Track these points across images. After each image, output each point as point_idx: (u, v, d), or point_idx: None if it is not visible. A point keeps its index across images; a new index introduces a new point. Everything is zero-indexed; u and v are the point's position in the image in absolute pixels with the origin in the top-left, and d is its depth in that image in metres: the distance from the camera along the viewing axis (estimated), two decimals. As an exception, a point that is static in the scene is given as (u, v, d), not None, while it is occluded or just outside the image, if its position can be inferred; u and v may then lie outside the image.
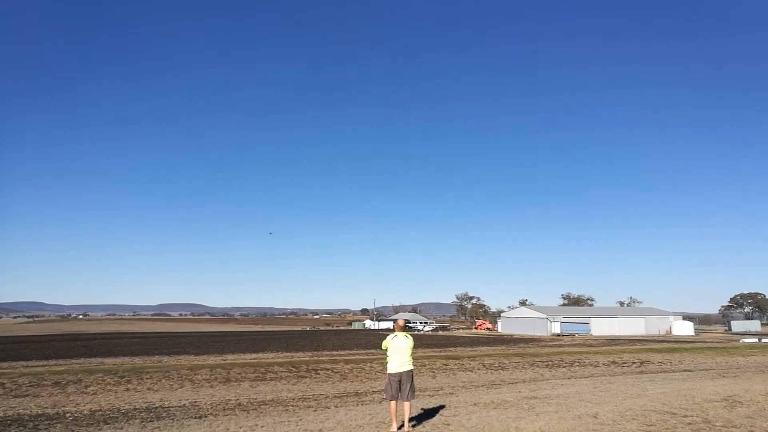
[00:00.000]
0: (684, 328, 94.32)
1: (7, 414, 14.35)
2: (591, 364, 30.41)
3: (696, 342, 60.01)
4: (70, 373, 23.47)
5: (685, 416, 9.97)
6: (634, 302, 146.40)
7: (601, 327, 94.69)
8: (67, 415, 14.24)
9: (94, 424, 12.55)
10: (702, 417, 9.87)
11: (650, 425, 9.08)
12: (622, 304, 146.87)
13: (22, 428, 12.03)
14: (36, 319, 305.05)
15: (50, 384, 20.52)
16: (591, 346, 52.21)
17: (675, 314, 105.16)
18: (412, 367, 9.71)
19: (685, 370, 26.74)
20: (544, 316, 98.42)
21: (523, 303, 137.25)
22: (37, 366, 29.30)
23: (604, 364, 30.53)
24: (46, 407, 15.65)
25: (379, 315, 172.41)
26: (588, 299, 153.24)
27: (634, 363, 31.46)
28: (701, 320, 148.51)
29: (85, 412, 14.73)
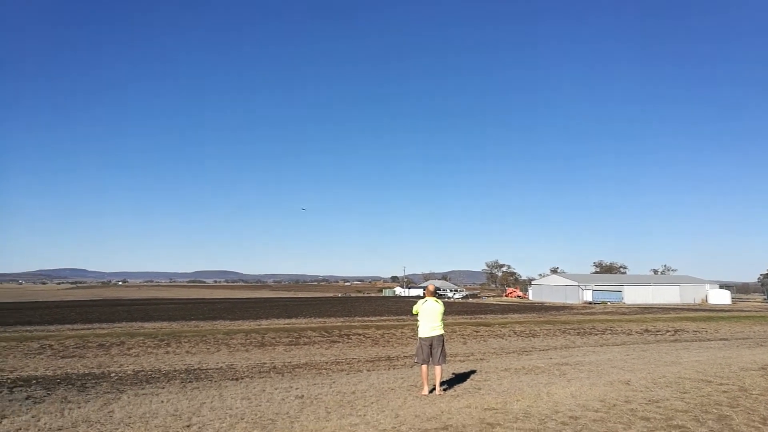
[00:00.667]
0: (720, 297, 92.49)
1: (56, 373, 15.06)
2: (623, 332, 30.18)
3: (733, 311, 58.85)
4: (113, 336, 24.41)
5: (721, 384, 9.85)
6: (668, 270, 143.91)
7: (635, 295, 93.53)
8: (112, 374, 14.87)
9: (138, 384, 13.09)
10: (738, 385, 9.74)
11: (684, 392, 9.01)
12: (656, 272, 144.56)
13: (70, 386, 12.62)
14: (79, 285, 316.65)
15: (95, 346, 21.40)
16: (624, 314, 51.73)
17: (711, 283, 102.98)
18: (443, 332, 9.80)
19: (721, 339, 26.33)
20: (576, 283, 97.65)
21: (554, 271, 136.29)
22: (82, 329, 30.53)
23: (637, 332, 30.26)
24: (92, 367, 16.36)
25: (409, 282, 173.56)
26: (621, 267, 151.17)
27: (668, 331, 31.10)
28: (739, 289, 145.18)
29: (129, 372, 15.36)
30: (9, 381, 13.43)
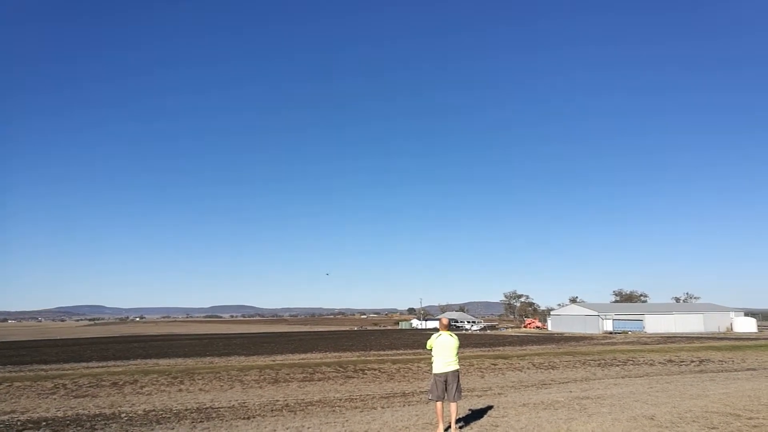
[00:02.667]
0: (746, 325, 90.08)
1: (67, 414, 14.88)
2: (646, 363, 29.33)
3: (760, 339, 57.15)
4: (126, 374, 24.24)
5: (750, 418, 9.40)
6: (691, 298, 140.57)
7: (656, 324, 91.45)
8: (123, 415, 14.64)
9: (147, 424, 12.85)
10: (769, 419, 9.28)
11: (712, 428, 8.59)
12: (678, 300, 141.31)
13: (79, 428, 12.43)
14: (96, 321, 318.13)
15: (108, 384, 21.23)
16: (645, 344, 50.47)
17: (736, 310, 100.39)
18: (457, 367, 9.49)
19: (748, 369, 25.44)
20: (596, 313, 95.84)
21: (573, 300, 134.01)
22: (96, 367, 30.40)
23: (660, 363, 29.39)
24: (104, 407, 16.15)
25: (425, 314, 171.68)
26: (641, 295, 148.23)
27: (692, 362, 30.17)
28: (765, 316, 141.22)
29: (140, 412, 15.12)
30: (19, 423, 13.28)
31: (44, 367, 31.89)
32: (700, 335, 74.32)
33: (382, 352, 41.91)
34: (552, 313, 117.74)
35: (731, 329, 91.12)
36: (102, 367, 30.77)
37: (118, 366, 31.26)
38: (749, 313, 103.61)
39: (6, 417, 14.32)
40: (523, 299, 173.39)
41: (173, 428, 12.07)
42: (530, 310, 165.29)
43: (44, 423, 13.26)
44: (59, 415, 14.74)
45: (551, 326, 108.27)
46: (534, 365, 28.00)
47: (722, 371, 24.77)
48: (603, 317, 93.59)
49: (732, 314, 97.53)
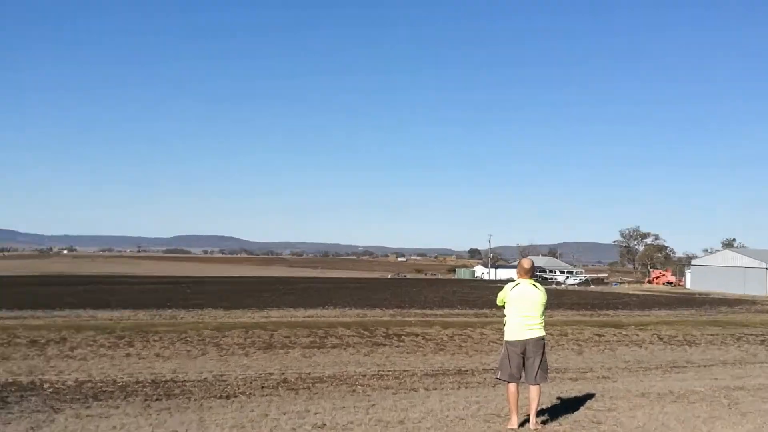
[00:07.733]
0: None
1: (-34, 381, 15.74)
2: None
3: None
4: (51, 329, 25.31)
5: None
6: None
7: None
8: (46, 385, 15.40)
9: (81, 400, 13.50)
10: None
11: None
12: None
13: (-16, 401, 13.14)
14: (7, 253, 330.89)
15: (25, 343, 22.25)
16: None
17: None
18: (543, 333, 9.48)
19: None
20: (764, 265, 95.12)
21: (728, 245, 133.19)
22: (8, 318, 31.81)
23: None
24: (19, 374, 16.99)
25: (496, 259, 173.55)
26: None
27: None
28: None
29: (70, 383, 15.86)
30: None
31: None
32: None
33: (428, 311, 42.72)
34: (693, 262, 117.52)
35: None
36: (15, 318, 32.17)
37: (38, 318, 32.65)
38: None
39: None
40: (648, 240, 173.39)
41: (118, 406, 12.65)
42: (659, 257, 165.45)
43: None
44: (-46, 382, 15.60)
45: (691, 283, 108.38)
46: (660, 339, 28.26)
47: None
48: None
49: None
